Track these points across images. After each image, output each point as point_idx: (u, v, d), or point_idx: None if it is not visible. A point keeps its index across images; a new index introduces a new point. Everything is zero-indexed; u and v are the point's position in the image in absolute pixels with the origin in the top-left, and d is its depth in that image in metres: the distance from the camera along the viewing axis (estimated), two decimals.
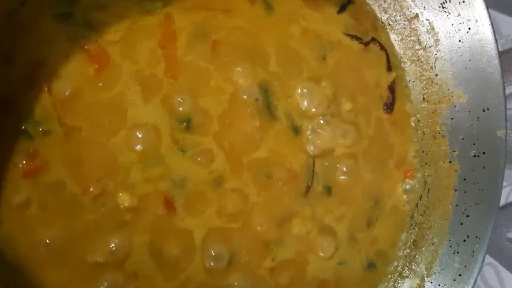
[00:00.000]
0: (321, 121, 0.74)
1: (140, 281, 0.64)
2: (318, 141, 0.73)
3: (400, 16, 0.80)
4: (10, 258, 0.61)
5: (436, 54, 0.77)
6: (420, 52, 0.79)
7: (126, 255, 0.64)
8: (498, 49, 0.73)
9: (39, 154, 0.60)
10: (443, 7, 0.75)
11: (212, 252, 0.67)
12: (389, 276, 0.79)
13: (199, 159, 0.66)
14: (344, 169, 0.75)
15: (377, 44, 0.79)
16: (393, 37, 0.81)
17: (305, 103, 0.73)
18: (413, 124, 0.81)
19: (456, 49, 0.75)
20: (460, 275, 0.73)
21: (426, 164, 0.80)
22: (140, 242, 0.64)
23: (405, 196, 0.80)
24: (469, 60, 0.74)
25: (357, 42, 0.78)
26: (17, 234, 0.60)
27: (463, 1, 0.73)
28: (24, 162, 0.60)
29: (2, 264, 0.61)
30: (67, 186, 0.61)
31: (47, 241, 0.61)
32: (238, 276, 0.69)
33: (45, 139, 0.61)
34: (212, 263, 0.67)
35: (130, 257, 0.64)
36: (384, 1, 0.80)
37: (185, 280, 0.66)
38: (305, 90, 0.73)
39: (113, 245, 0.63)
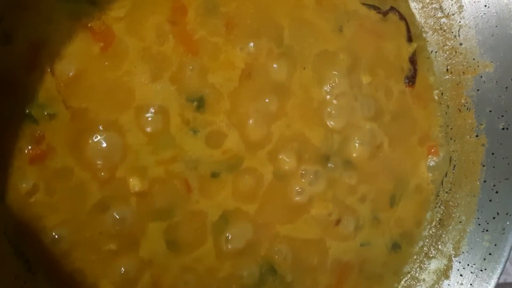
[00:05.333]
0: (340, 95, 0.70)
1: (155, 268, 0.62)
2: (337, 116, 0.70)
3: None
4: (22, 247, 0.59)
5: (460, 21, 0.74)
6: (443, 20, 0.75)
7: (138, 241, 0.62)
8: None
9: (45, 138, 0.58)
10: None
11: (227, 235, 0.65)
12: (415, 256, 0.77)
13: (211, 139, 0.64)
14: (365, 146, 0.72)
15: (396, 13, 0.76)
16: (413, 5, 0.77)
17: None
18: (436, 97, 0.78)
19: (481, 15, 0.71)
20: (490, 254, 0.70)
21: (451, 139, 0.77)
22: (153, 227, 0.62)
23: (429, 174, 0.78)
24: (496, 26, 0.71)
25: (375, 11, 0.75)
26: (26, 221, 0.58)
27: None
28: (29, 147, 0.58)
29: (13, 253, 0.59)
30: (74, 171, 0.59)
31: (57, 228, 0.59)
32: (251, 261, 0.67)
33: (51, 123, 0.58)
34: (225, 246, 0.65)
35: (144, 244, 0.62)
36: None
37: (194, 261, 0.63)
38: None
39: (123, 230, 0.61)
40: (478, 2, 0.72)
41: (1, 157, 0.57)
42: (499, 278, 0.70)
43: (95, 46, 0.60)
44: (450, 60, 0.76)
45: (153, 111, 0.61)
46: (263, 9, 0.67)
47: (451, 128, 0.77)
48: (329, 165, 0.70)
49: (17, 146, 0.57)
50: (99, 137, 0.60)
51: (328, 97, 0.70)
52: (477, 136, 0.74)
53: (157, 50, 0.62)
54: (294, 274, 0.69)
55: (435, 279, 0.75)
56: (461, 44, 0.74)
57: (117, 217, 0.60)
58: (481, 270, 0.71)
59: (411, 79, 0.76)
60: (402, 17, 0.76)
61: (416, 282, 0.76)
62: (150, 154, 0.61)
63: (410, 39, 0.76)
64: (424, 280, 0.76)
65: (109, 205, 0.60)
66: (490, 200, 0.72)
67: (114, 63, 0.60)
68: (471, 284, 0.71)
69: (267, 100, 0.66)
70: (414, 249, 0.77)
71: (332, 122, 0.70)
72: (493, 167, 0.72)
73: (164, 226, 0.62)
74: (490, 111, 0.73)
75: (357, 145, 0.72)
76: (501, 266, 0.70)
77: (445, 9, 0.75)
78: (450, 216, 0.76)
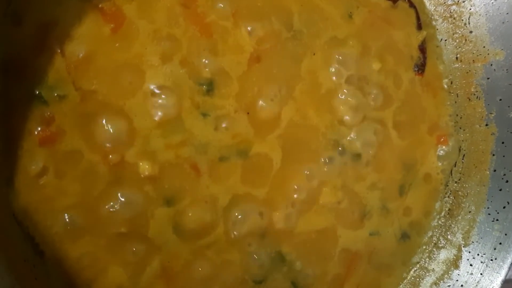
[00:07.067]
0: (349, 82, 0.70)
1: (164, 253, 0.61)
2: (345, 102, 0.70)
3: None
4: (31, 230, 0.58)
5: (470, 9, 0.73)
6: (453, 7, 0.75)
7: (148, 226, 0.61)
8: None
9: (55, 120, 0.58)
10: None
11: (236, 219, 0.64)
12: (424, 247, 0.76)
13: (221, 123, 0.63)
14: (374, 134, 0.72)
15: (406, 0, 0.76)
16: None
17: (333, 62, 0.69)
18: (445, 86, 0.77)
19: (492, 2, 0.71)
20: (500, 243, 0.70)
21: (460, 128, 0.76)
22: (163, 212, 0.61)
23: (438, 163, 0.77)
24: (507, 13, 0.70)
25: None
26: (35, 205, 0.57)
27: None
28: (39, 128, 0.57)
29: (23, 237, 0.58)
30: (84, 154, 0.58)
31: (67, 211, 0.58)
32: (261, 247, 0.66)
33: (61, 105, 0.58)
34: (235, 231, 0.64)
35: (153, 229, 0.61)
36: None
37: (204, 247, 0.63)
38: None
39: (132, 215, 0.60)
40: None
41: (11, 138, 0.57)
42: (509, 268, 0.69)
43: (106, 27, 0.59)
44: (460, 48, 0.76)
45: (163, 94, 0.61)
46: None
47: (461, 117, 0.77)
48: (338, 152, 0.69)
49: (26, 127, 0.57)
50: (108, 120, 0.59)
51: (336, 83, 0.69)
52: (486, 125, 0.73)
53: (168, 32, 0.61)
54: (303, 262, 0.68)
55: (444, 269, 0.74)
56: (471, 32, 0.74)
57: (127, 201, 0.60)
58: (491, 260, 0.70)
59: (421, 67, 0.76)
60: (411, 5, 0.75)
61: (425, 272, 0.75)
62: (160, 138, 0.61)
63: (419, 27, 0.76)
64: (433, 270, 0.75)
65: (119, 188, 0.59)
66: (500, 190, 0.71)
67: (124, 44, 0.60)
68: (481, 274, 0.70)
69: (276, 85, 0.65)
70: (423, 239, 0.77)
71: (340, 108, 0.69)
72: (503, 156, 0.72)
73: (174, 210, 0.61)
74: (500, 99, 0.72)
75: (365, 132, 0.71)
76: None
77: None
78: (460, 206, 0.75)
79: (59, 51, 0.58)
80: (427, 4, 0.77)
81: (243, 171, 0.64)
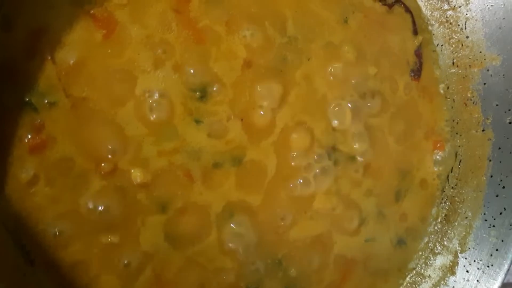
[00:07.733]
0: (344, 87, 0.69)
1: (156, 260, 0.61)
2: (341, 108, 0.69)
3: None
4: (22, 238, 0.58)
5: (466, 14, 0.73)
6: (449, 12, 0.74)
7: (140, 234, 0.60)
8: None
9: (45, 127, 0.57)
10: None
11: (230, 226, 0.64)
12: (420, 253, 0.76)
13: (214, 129, 0.63)
14: (369, 140, 0.71)
15: (402, 5, 0.75)
16: None
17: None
18: (442, 91, 0.77)
19: (488, 7, 0.71)
20: (497, 249, 0.69)
21: (457, 133, 0.76)
22: (155, 219, 0.61)
23: (435, 169, 0.77)
24: (503, 18, 0.70)
25: (380, 3, 0.74)
26: (26, 212, 0.57)
27: None
28: (29, 136, 0.56)
29: (13, 245, 0.57)
30: (76, 162, 0.58)
31: (58, 219, 0.57)
32: (255, 254, 0.65)
33: (51, 112, 0.57)
34: (229, 240, 0.64)
35: (145, 236, 0.61)
36: None
37: (197, 254, 0.62)
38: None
39: (124, 222, 0.59)
40: None
41: (0, 146, 0.56)
42: (506, 274, 0.69)
43: (98, 33, 0.59)
44: (456, 53, 0.75)
45: (155, 99, 0.60)
46: None
47: (457, 123, 0.76)
48: (334, 158, 0.69)
49: (16, 134, 0.56)
50: (99, 127, 0.59)
51: (332, 88, 0.69)
52: (483, 130, 0.73)
53: (160, 38, 0.61)
54: (298, 268, 0.68)
55: (440, 275, 0.73)
56: (467, 37, 0.74)
57: (119, 209, 0.59)
58: (488, 266, 0.70)
59: (417, 73, 0.75)
60: (407, 10, 0.75)
61: (421, 279, 0.75)
62: (153, 145, 0.60)
63: (415, 32, 0.76)
64: (429, 276, 0.74)
65: (111, 196, 0.59)
66: (497, 195, 0.71)
67: (116, 50, 0.59)
68: (477, 280, 0.70)
69: (270, 90, 0.65)
70: (419, 245, 0.76)
71: (336, 114, 0.69)
72: (500, 161, 0.71)
73: (167, 217, 0.61)
74: (497, 105, 0.72)
75: (361, 138, 0.71)
76: (508, 262, 0.69)
77: (452, 1, 0.74)
78: (456, 212, 0.75)
79: (49, 57, 0.57)
80: (423, 9, 0.76)
81: (237, 178, 0.64)
